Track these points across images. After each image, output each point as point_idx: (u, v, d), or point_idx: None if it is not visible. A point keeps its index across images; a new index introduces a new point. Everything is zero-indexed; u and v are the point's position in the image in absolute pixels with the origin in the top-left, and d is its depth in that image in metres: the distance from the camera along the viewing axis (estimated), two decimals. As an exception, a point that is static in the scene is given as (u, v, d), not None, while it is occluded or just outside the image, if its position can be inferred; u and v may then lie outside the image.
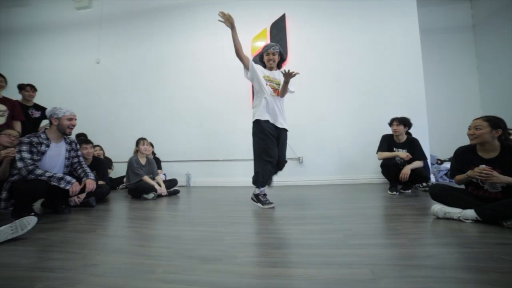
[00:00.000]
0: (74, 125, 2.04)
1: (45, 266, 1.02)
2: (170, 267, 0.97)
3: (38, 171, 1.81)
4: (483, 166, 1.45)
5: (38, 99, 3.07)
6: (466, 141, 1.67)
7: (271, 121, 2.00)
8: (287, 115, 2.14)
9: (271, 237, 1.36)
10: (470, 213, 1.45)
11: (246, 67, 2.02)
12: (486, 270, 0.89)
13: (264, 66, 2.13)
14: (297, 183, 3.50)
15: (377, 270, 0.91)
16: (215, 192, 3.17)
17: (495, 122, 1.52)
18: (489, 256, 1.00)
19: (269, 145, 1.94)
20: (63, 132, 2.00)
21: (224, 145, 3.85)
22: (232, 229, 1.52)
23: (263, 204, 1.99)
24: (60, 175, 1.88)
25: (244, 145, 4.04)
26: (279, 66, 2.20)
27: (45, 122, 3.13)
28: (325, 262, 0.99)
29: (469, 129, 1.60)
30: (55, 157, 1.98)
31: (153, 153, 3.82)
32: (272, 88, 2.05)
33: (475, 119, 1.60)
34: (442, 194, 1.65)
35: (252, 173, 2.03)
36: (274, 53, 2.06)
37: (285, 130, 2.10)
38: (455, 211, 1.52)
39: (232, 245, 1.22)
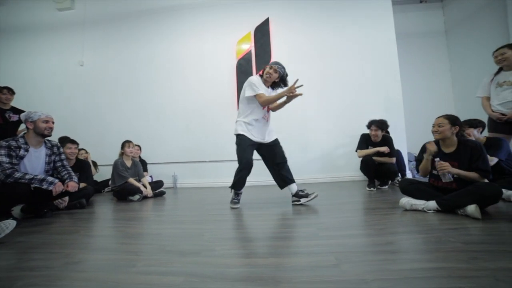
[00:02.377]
0: (51, 128, 2.01)
1: (25, 266, 1.04)
2: (150, 261, 1.03)
3: (17, 174, 1.79)
4: (437, 160, 1.64)
5: (16, 103, 3.01)
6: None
7: (255, 140, 2.04)
8: (272, 123, 2.18)
9: (249, 232, 1.44)
10: (432, 204, 1.60)
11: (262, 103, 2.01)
12: (432, 250, 1.02)
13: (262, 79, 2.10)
14: (282, 182, 3.60)
15: (340, 257, 1.00)
16: (201, 192, 3.21)
17: (453, 120, 1.70)
18: (438, 239, 1.14)
19: (244, 154, 1.99)
20: (42, 134, 1.97)
21: (210, 146, 3.90)
22: (213, 226, 1.58)
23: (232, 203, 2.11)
24: (41, 176, 1.88)
25: (229, 146, 4.06)
26: (274, 87, 2.14)
27: (23, 126, 3.07)
28: (294, 252, 1.08)
29: (433, 126, 1.76)
30: (34, 162, 1.96)
31: (139, 156, 3.82)
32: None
33: (437, 118, 1.76)
34: (409, 188, 1.80)
35: None
36: (276, 70, 2.02)
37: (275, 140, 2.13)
38: (419, 203, 1.66)
39: (211, 240, 1.29)
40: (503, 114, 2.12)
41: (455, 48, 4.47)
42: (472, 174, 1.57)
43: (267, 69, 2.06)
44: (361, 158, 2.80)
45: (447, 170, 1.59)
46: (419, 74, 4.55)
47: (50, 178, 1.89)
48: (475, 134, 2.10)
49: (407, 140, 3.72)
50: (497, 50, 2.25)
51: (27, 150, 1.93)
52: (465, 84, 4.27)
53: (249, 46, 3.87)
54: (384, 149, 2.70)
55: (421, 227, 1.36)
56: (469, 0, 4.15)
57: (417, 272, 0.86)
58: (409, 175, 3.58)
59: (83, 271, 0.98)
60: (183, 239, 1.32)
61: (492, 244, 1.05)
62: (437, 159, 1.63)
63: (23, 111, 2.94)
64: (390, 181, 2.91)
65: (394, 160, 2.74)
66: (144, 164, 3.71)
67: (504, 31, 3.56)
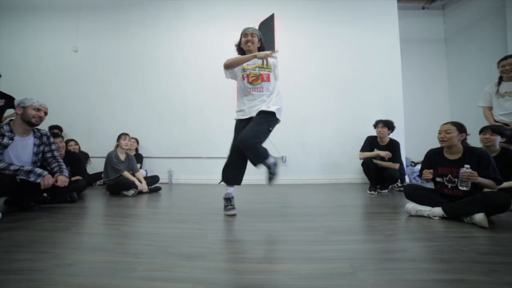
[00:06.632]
0: (40, 117, 1.85)
1: (10, 268, 0.93)
2: (152, 265, 0.95)
3: (1, 164, 1.65)
4: (468, 167, 1.51)
5: (3, 87, 2.81)
6: (437, 145, 1.81)
7: (243, 117, 1.82)
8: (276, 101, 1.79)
9: (255, 234, 1.37)
10: (438, 211, 1.58)
11: (226, 67, 1.78)
12: (448, 260, 0.99)
13: (243, 53, 1.84)
14: (280, 182, 3.55)
15: (356, 264, 0.96)
16: (197, 189, 3.12)
17: (460, 127, 1.69)
18: (451, 248, 1.11)
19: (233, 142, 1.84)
20: (28, 122, 1.82)
21: (208, 142, 3.79)
22: (215, 226, 1.51)
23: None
24: (28, 167, 1.73)
25: (228, 142, 4.00)
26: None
27: (8, 112, 2.88)
28: (307, 258, 1.03)
29: (439, 133, 1.73)
30: (20, 152, 1.81)
31: (136, 150, 3.70)
32: (249, 77, 1.76)
33: (444, 124, 1.74)
34: (414, 193, 1.78)
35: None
36: (253, 34, 1.76)
37: (260, 112, 1.73)
38: (425, 209, 1.64)
39: (216, 242, 1.21)
40: (506, 124, 2.13)
41: (453, 56, 4.54)
42: (490, 182, 1.54)
43: (243, 38, 1.76)
44: (362, 160, 2.79)
45: (474, 179, 1.49)
46: (417, 79, 4.58)
47: (38, 170, 1.75)
48: (497, 142, 1.91)
49: (405, 145, 3.74)
50: (505, 59, 2.18)
51: (12, 139, 1.77)
52: (462, 92, 4.34)
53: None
54: (384, 154, 2.68)
55: (430, 234, 1.33)
56: (470, 10, 4.21)
57: (439, 284, 0.82)
58: (406, 179, 3.61)
59: (77, 275, 0.88)
60: (185, 240, 1.24)
61: (507, 256, 1.03)
62: (467, 166, 1.52)
63: (9, 96, 2.76)
64: (390, 186, 2.91)
65: (397, 166, 2.71)
66: (140, 158, 3.57)
67: (502, 42, 3.63)
